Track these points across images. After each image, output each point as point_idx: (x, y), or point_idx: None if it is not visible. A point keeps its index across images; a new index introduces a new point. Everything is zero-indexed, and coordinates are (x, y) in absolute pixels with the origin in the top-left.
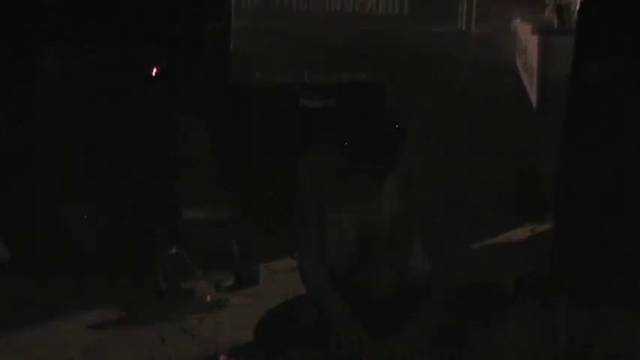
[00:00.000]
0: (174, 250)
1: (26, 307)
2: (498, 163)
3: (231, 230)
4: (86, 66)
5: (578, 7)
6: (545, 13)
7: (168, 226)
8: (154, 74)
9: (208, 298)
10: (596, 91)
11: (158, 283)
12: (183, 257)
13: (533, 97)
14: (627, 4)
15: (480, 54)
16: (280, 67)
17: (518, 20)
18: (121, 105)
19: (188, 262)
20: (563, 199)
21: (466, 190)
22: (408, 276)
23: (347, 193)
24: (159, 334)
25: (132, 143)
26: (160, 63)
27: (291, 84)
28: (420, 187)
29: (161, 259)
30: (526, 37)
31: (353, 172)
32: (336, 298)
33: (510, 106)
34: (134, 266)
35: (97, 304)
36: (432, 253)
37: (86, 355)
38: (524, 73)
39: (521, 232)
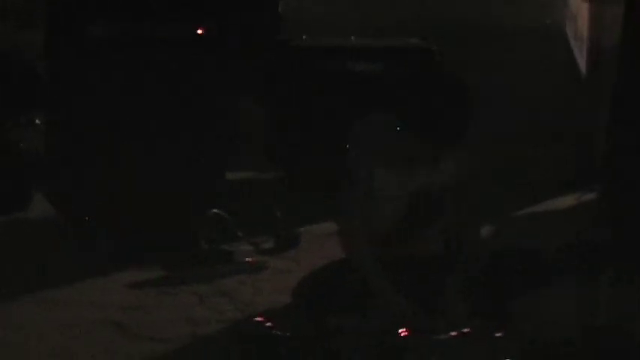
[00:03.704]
0: (215, 211)
1: (69, 265)
2: (545, 131)
3: (273, 192)
4: (136, 29)
5: None
6: None
7: (210, 186)
8: (200, 34)
9: (248, 259)
10: None
11: (198, 243)
12: (224, 218)
13: (582, 64)
14: None
15: (529, 20)
16: (328, 29)
17: None
18: (168, 65)
19: (229, 223)
20: (614, 168)
21: (514, 159)
22: (451, 244)
23: (397, 159)
24: (197, 294)
25: (179, 104)
26: (207, 23)
27: (338, 47)
28: (476, 155)
29: (202, 220)
30: (577, 4)
31: (404, 139)
32: (377, 266)
33: (559, 74)
34: (175, 226)
35: (138, 264)
36: (473, 221)
37: (126, 313)
38: (574, 40)
39: (568, 201)
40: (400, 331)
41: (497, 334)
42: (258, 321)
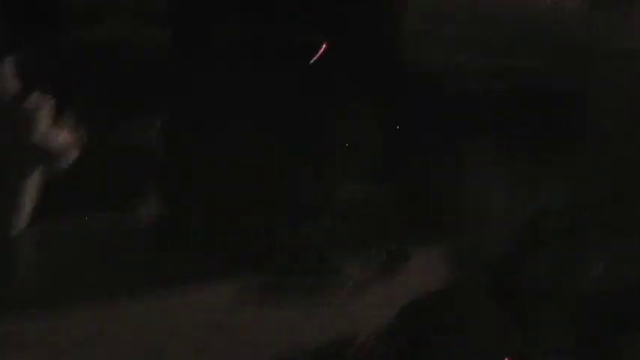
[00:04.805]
0: (328, 222)
1: (174, 269)
2: None
3: (389, 208)
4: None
5: None
6: None
7: (325, 198)
8: (320, 52)
9: (354, 275)
10: None
11: (308, 253)
12: (337, 230)
13: None
14: None
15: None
16: (448, 49)
17: None
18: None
19: (341, 236)
20: None
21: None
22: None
23: (511, 181)
24: (302, 304)
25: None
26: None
27: (458, 67)
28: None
29: (314, 230)
30: None
31: (519, 161)
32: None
33: None
34: (286, 235)
35: (245, 269)
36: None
37: (231, 317)
38: None
39: None
40: None
41: None
42: (359, 337)
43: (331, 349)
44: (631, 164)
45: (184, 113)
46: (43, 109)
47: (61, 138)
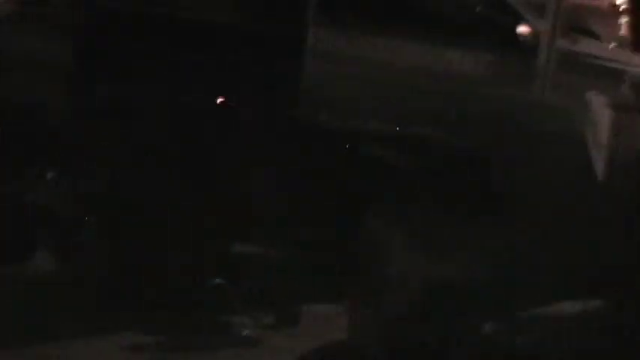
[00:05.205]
0: (217, 281)
1: (69, 322)
2: None
3: (278, 267)
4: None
5: None
6: (622, 89)
7: (215, 256)
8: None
9: (245, 332)
10: None
11: (197, 311)
12: (226, 289)
13: (600, 172)
14: None
15: (551, 123)
16: (346, 112)
17: (594, 93)
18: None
19: (230, 294)
20: None
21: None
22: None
23: (419, 245)
24: None
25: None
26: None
27: (353, 130)
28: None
29: (204, 288)
30: (599, 111)
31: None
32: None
33: (577, 181)
34: (176, 292)
35: (133, 326)
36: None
37: None
38: (593, 147)
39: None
40: None
41: None
42: None
43: None
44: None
45: (79, 165)
46: None
47: None
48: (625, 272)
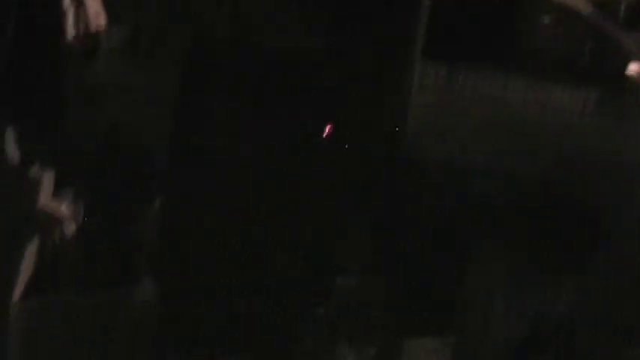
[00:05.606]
0: (319, 311)
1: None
2: None
3: (383, 299)
4: None
5: None
6: None
7: (318, 286)
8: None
9: None
10: None
11: (298, 343)
12: (329, 319)
13: None
14: None
15: None
16: (452, 147)
17: None
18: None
19: (333, 325)
20: None
21: None
22: None
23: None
24: None
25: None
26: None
27: (459, 167)
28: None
29: (306, 320)
30: None
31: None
32: None
33: None
34: (277, 322)
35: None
36: None
37: None
38: None
39: None
40: None
41: None
42: None
43: None
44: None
45: (181, 193)
46: (44, 180)
47: (60, 210)
48: None
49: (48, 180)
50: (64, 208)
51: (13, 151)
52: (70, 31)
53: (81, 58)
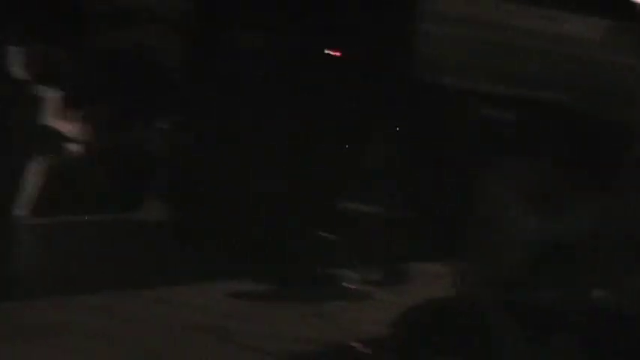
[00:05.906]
0: (328, 235)
1: (176, 269)
2: None
3: (389, 226)
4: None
5: None
6: None
7: (327, 211)
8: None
9: (353, 287)
10: None
11: (307, 264)
12: (336, 243)
13: None
14: None
15: None
16: (467, 74)
17: None
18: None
19: (340, 249)
20: None
21: None
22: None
23: (537, 202)
24: (300, 312)
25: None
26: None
27: (474, 92)
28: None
29: (314, 242)
30: None
31: (547, 186)
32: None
33: None
34: (288, 244)
35: (245, 276)
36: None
37: (226, 320)
38: None
39: None
40: None
41: None
42: (354, 346)
43: (326, 357)
44: None
45: (194, 119)
46: (50, 98)
47: (67, 130)
48: None
49: (55, 99)
50: (69, 129)
51: (19, 68)
52: None
53: None
